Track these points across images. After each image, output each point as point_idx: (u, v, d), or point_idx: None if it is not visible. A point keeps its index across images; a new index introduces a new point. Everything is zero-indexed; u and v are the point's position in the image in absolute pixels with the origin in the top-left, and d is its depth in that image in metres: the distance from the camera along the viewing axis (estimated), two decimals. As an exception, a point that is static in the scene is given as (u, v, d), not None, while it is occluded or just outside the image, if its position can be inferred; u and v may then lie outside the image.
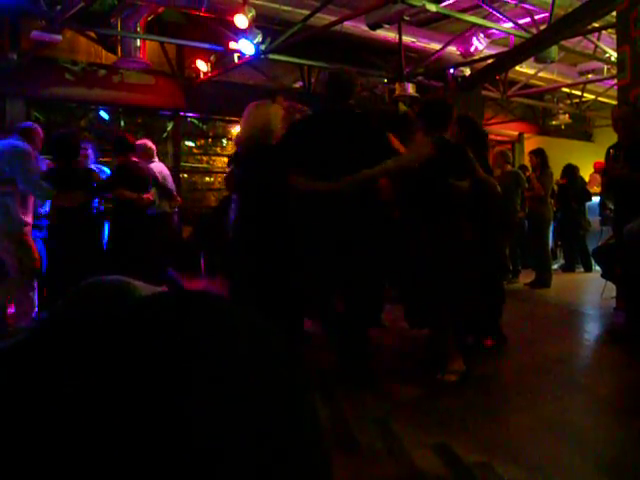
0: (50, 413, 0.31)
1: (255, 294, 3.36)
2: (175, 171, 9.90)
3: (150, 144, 6.35)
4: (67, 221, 4.83)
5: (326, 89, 3.52)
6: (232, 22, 7.35)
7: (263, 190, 3.45)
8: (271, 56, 8.12)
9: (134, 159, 5.41)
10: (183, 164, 10.12)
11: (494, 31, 8.74)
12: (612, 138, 5.10)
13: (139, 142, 6.13)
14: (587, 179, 9.60)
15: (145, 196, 5.30)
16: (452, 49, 9.41)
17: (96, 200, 5.31)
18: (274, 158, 3.41)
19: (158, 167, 6.23)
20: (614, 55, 7.83)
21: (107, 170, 6.16)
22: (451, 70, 9.93)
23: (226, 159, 8.41)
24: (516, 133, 14.14)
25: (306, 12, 7.56)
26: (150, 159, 6.15)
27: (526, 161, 9.81)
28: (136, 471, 0.30)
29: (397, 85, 9.40)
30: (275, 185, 3.41)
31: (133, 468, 0.30)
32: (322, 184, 3.29)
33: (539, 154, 7.56)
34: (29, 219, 4.69)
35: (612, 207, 5.60)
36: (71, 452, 0.30)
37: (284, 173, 3.36)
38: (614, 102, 7.65)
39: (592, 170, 10.82)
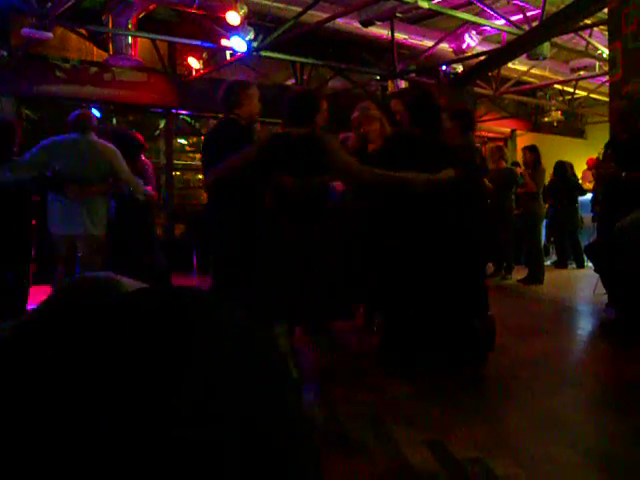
0: (38, 404, 0.31)
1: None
2: (167, 168, 9.89)
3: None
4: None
5: (287, 109, 3.53)
6: (224, 19, 7.33)
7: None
8: (263, 53, 8.11)
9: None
10: (175, 162, 10.10)
11: (486, 28, 8.76)
12: (604, 134, 5.13)
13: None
14: (580, 175, 9.66)
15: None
16: (444, 46, 9.43)
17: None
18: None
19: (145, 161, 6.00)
20: (606, 52, 7.86)
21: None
22: (443, 67, 9.96)
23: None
24: (508, 130, 14.19)
25: (298, 9, 7.56)
26: None
27: (518, 158, 9.85)
28: (121, 459, 0.30)
29: (389, 82, 9.43)
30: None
31: (119, 455, 0.30)
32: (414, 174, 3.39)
33: (533, 150, 7.59)
34: None
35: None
36: (60, 437, 0.30)
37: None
38: (606, 99, 7.70)
39: (585, 167, 10.88)
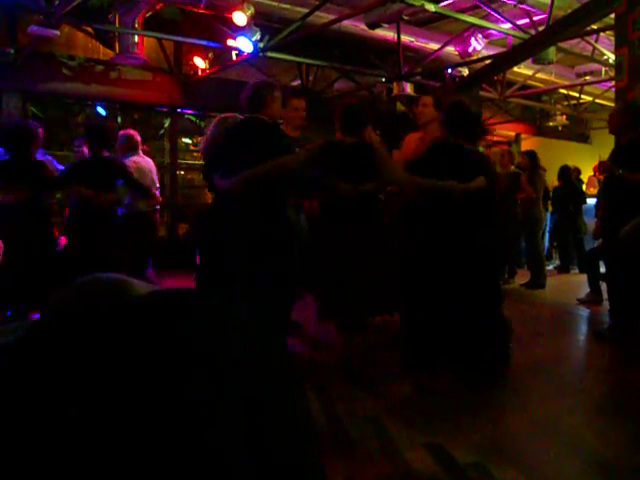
0: (47, 406, 0.31)
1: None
2: (171, 168, 9.89)
3: (134, 135, 5.80)
4: (7, 219, 4.41)
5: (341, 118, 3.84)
6: (231, 19, 7.33)
7: None
8: (269, 54, 8.10)
9: (105, 154, 4.90)
10: (180, 161, 10.10)
11: (492, 32, 8.74)
12: (609, 140, 5.11)
13: (122, 132, 5.79)
14: (585, 181, 9.64)
15: (103, 195, 4.72)
16: (450, 49, 9.42)
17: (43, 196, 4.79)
18: None
19: (140, 161, 5.69)
20: (612, 57, 7.85)
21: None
22: (449, 70, 9.95)
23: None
24: (513, 134, 14.17)
25: (305, 10, 7.56)
26: (132, 151, 5.66)
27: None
28: (132, 461, 0.30)
29: (395, 84, 9.41)
30: None
31: (129, 456, 0.30)
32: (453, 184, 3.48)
33: (530, 155, 7.56)
34: None
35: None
36: (66, 437, 0.30)
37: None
38: (611, 104, 7.67)
39: (590, 172, 10.83)
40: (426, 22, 9.43)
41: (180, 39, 8.54)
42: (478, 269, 3.48)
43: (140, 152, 5.84)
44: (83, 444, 0.31)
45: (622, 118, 4.51)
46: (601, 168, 4.78)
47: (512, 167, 7.53)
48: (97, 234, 4.71)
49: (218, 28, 8.10)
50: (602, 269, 5.21)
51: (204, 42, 8.30)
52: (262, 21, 7.92)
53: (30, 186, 4.49)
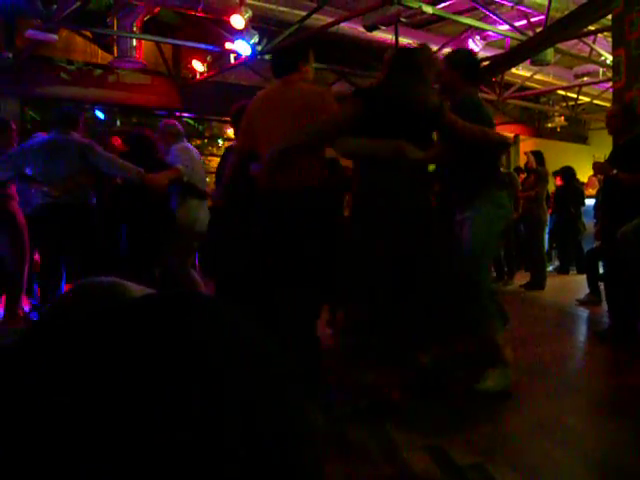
0: (45, 413, 0.31)
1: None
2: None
3: (176, 123, 5.28)
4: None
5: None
6: (228, 22, 7.35)
7: None
8: (268, 57, 8.12)
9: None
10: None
11: (490, 33, 8.76)
12: (607, 140, 5.12)
13: (164, 122, 5.36)
14: (583, 181, 9.63)
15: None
16: (448, 51, 9.43)
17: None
18: None
19: (192, 148, 5.18)
20: (609, 58, 7.86)
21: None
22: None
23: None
24: (512, 135, 14.18)
25: (303, 13, 7.57)
26: (179, 139, 5.04)
27: (521, 163, 9.84)
28: (127, 467, 0.30)
29: (393, 86, 9.41)
30: None
31: (125, 463, 0.30)
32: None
33: (536, 156, 7.58)
34: None
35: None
36: (66, 439, 0.30)
37: None
38: (609, 105, 7.69)
39: (591, 172, 10.83)
40: (424, 24, 9.45)
41: (178, 42, 8.56)
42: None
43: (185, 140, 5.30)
44: (82, 446, 0.31)
45: (621, 120, 4.54)
46: (595, 169, 4.80)
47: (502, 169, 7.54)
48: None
49: (216, 31, 8.12)
50: (601, 270, 5.21)
51: (202, 45, 8.31)
52: (260, 24, 7.93)
53: None
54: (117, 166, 4.35)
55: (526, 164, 7.73)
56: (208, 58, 9.28)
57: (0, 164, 4.37)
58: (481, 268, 3.28)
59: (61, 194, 4.26)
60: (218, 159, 7.09)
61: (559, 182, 8.56)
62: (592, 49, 9.34)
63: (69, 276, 4.45)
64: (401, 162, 2.94)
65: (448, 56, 3.59)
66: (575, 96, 12.53)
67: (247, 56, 7.93)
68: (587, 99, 12.65)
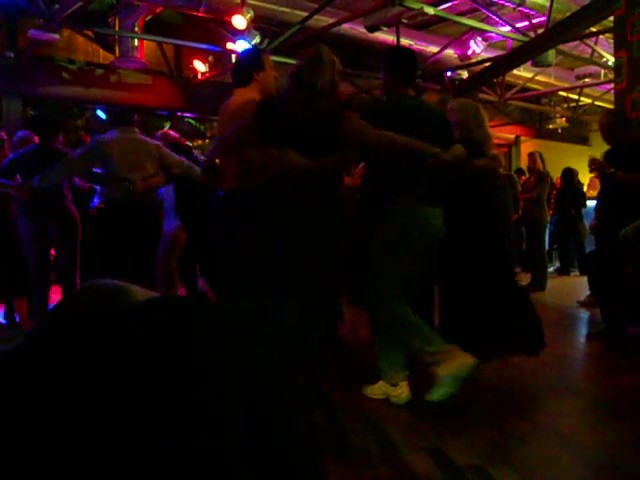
0: (49, 412, 0.31)
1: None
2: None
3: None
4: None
5: None
6: (230, 23, 7.35)
7: None
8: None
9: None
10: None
11: (492, 34, 8.76)
12: (608, 143, 5.13)
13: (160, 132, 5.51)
14: (585, 182, 9.62)
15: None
16: (450, 52, 9.43)
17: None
18: None
19: None
20: (611, 59, 7.86)
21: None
22: (448, 73, 9.97)
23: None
24: (513, 136, 14.18)
25: (304, 13, 7.57)
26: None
27: (522, 164, 9.84)
28: (130, 465, 0.30)
29: (394, 87, 9.41)
30: None
31: (127, 461, 0.30)
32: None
33: (540, 158, 7.58)
34: None
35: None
36: (66, 440, 0.30)
37: None
38: (611, 106, 7.69)
39: (592, 174, 10.82)
40: (425, 25, 9.46)
41: (180, 43, 8.56)
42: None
43: None
44: (82, 446, 0.31)
45: (612, 130, 4.58)
46: (591, 166, 4.83)
47: (501, 170, 7.53)
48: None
49: (218, 32, 8.12)
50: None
51: (204, 46, 8.32)
52: (261, 24, 7.94)
53: None
54: (184, 168, 4.50)
55: (529, 165, 7.71)
56: (210, 58, 9.28)
57: (79, 160, 4.29)
58: (380, 288, 3.03)
59: (144, 192, 4.32)
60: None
61: (559, 183, 8.56)
62: (594, 50, 9.34)
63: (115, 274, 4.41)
64: (292, 174, 2.90)
65: (385, 55, 3.39)
66: (576, 97, 12.53)
67: (248, 56, 7.92)
68: (588, 100, 12.65)
